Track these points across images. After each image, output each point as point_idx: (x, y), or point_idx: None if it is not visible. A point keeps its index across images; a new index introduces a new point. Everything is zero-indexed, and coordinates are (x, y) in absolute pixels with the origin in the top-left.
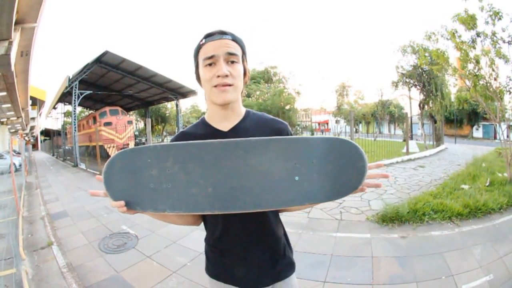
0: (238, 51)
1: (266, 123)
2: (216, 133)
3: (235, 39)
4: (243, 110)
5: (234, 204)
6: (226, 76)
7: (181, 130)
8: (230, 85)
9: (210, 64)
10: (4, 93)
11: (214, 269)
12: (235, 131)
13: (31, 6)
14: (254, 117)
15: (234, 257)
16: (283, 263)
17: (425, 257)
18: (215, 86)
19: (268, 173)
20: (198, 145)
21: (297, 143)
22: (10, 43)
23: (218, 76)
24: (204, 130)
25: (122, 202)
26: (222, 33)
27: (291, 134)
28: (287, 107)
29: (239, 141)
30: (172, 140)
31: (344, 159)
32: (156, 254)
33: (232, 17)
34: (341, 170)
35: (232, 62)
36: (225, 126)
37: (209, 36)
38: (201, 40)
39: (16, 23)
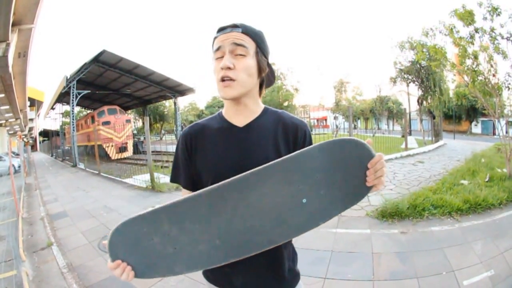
0: (249, 44)
1: (284, 121)
2: (231, 128)
3: (246, 32)
4: (260, 107)
5: (247, 248)
6: (229, 68)
7: (195, 122)
8: (232, 79)
9: (220, 58)
10: (2, 95)
11: (212, 275)
12: (250, 127)
13: (28, 7)
14: (272, 115)
15: (234, 266)
16: (287, 275)
17: (426, 252)
18: (221, 80)
19: (273, 205)
20: (187, 201)
21: (294, 161)
22: (8, 45)
23: (222, 69)
24: (219, 124)
25: (129, 268)
26: (234, 26)
27: (309, 134)
28: (285, 103)
29: (230, 182)
30: (185, 131)
31: (350, 160)
32: None
33: (230, 11)
34: (349, 174)
35: (241, 55)
36: (240, 122)
37: (221, 30)
38: (215, 34)
39: (13, 25)
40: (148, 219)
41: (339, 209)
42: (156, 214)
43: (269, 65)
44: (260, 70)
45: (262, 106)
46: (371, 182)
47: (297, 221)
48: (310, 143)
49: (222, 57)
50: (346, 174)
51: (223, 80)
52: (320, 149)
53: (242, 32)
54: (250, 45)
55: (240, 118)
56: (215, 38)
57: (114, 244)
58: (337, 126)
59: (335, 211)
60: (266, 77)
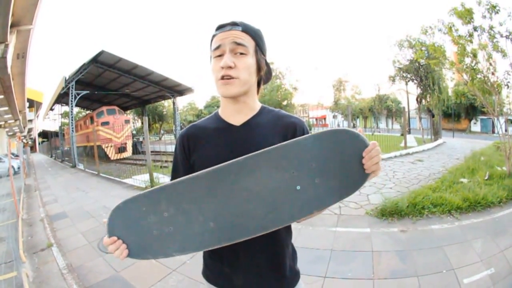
0: (248, 43)
1: (282, 119)
2: (228, 128)
3: (246, 30)
4: (257, 106)
5: (240, 232)
6: (230, 67)
7: (192, 123)
8: (233, 78)
9: (219, 56)
10: (1, 96)
11: (212, 275)
12: (247, 126)
13: (27, 8)
14: (269, 113)
15: (234, 265)
16: (288, 274)
17: (426, 251)
18: (221, 79)
19: (267, 191)
20: (185, 181)
21: (289, 148)
22: (6, 46)
23: (222, 68)
24: (216, 124)
25: (124, 246)
26: (233, 24)
27: (307, 131)
28: (284, 102)
29: (227, 165)
30: (181, 133)
31: (345, 150)
32: None
33: (228, 10)
34: (344, 163)
35: (241, 54)
36: (237, 121)
37: (220, 28)
38: (214, 32)
39: (11, 26)
40: (148, 197)
41: (334, 198)
42: (156, 193)
43: (267, 63)
44: (259, 68)
45: (260, 104)
46: (369, 169)
47: (291, 207)
48: None
49: (221, 55)
50: (341, 163)
51: (223, 78)
52: (315, 139)
53: (242, 31)
54: (250, 43)
55: (237, 117)
56: (213, 36)
57: (113, 220)
58: (339, 126)
59: (330, 200)
60: (264, 75)
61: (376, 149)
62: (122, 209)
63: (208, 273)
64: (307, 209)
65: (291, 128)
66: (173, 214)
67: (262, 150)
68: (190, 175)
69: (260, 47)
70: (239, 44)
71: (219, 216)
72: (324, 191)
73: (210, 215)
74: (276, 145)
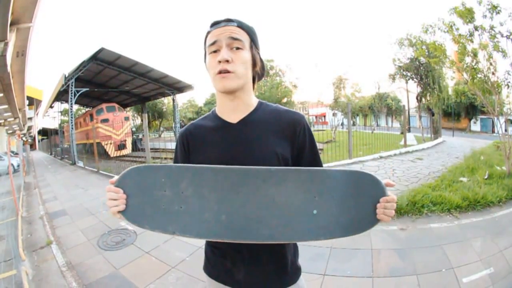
0: (244, 38)
1: (280, 115)
2: (225, 126)
3: (241, 26)
4: (254, 102)
5: (247, 234)
6: (227, 61)
7: (191, 122)
8: (230, 72)
9: (215, 51)
10: (1, 95)
11: (214, 270)
12: (244, 123)
13: (26, 6)
14: (267, 109)
15: (236, 260)
16: (289, 270)
17: (425, 249)
18: (218, 73)
19: (286, 205)
20: (215, 170)
21: (317, 175)
22: (6, 44)
23: (220, 62)
24: (213, 123)
25: (123, 200)
26: (228, 20)
27: (308, 127)
28: (284, 100)
29: (258, 169)
30: (181, 132)
31: (364, 191)
32: (154, 250)
33: (227, 8)
34: (360, 203)
35: (237, 48)
36: (234, 118)
37: (215, 24)
38: (209, 28)
39: (11, 24)
40: (172, 171)
41: (342, 232)
42: (181, 170)
43: (261, 59)
44: (254, 63)
45: (257, 100)
46: (380, 216)
47: (302, 227)
48: (310, 136)
49: (217, 51)
50: (358, 202)
51: (220, 72)
52: (342, 174)
53: (237, 26)
54: (245, 38)
55: (234, 114)
56: (208, 32)
57: (126, 177)
58: (342, 124)
59: (337, 233)
60: (259, 70)
61: (392, 204)
62: (141, 171)
63: (210, 268)
64: (315, 234)
65: (291, 126)
66: (190, 195)
67: (293, 168)
68: (222, 166)
69: (254, 43)
70: (235, 39)
71: (234, 212)
72: (335, 223)
73: (226, 208)
74: (307, 168)
